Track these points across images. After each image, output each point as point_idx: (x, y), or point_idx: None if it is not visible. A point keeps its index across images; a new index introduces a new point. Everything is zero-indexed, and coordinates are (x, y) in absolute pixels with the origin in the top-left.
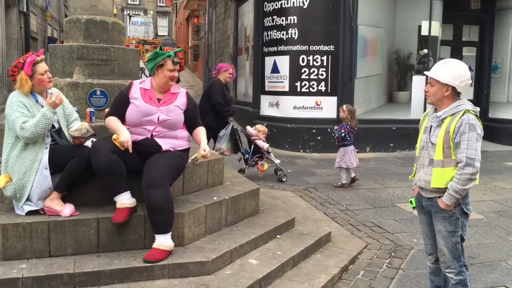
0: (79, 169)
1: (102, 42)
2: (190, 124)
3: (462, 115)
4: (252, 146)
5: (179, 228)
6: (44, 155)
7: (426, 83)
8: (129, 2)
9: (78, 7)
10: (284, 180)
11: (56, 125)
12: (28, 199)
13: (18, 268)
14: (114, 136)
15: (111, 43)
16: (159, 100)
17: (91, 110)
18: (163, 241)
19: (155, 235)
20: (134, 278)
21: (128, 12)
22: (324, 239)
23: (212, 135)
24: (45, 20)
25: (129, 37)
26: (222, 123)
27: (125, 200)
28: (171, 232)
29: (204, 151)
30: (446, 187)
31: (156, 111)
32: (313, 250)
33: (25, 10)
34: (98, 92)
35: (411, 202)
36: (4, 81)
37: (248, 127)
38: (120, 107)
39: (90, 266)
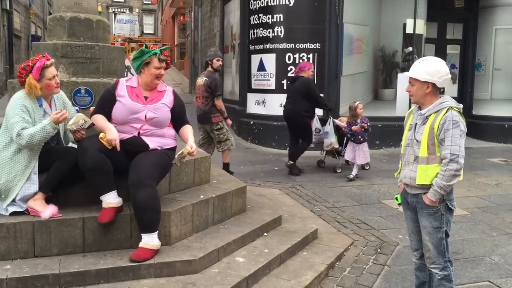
0: (65, 170)
1: (87, 40)
2: (177, 122)
3: (446, 112)
4: (345, 138)
5: (165, 227)
6: (36, 161)
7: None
8: None
9: (62, 4)
10: (339, 171)
11: (53, 132)
12: (13, 200)
13: (2, 269)
14: (101, 135)
15: (95, 41)
16: (146, 98)
17: (76, 109)
18: (149, 240)
19: (142, 234)
20: (120, 278)
21: (113, 9)
22: (311, 237)
23: (304, 135)
24: (29, 18)
25: (114, 35)
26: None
27: (111, 199)
28: (157, 231)
29: (191, 148)
30: (431, 184)
31: (143, 108)
32: (300, 247)
33: (8, 8)
34: (82, 91)
35: (396, 198)
36: None
37: (336, 120)
38: (106, 105)
39: (75, 266)
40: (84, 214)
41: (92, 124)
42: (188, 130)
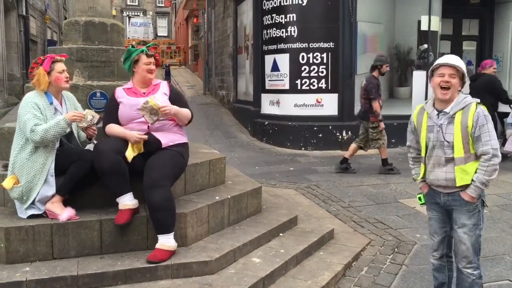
0: (81, 173)
1: (101, 43)
2: None
3: (476, 108)
4: None
5: (181, 228)
6: (52, 161)
7: (430, 78)
8: (128, 3)
9: (77, 9)
10: None
11: (67, 129)
12: (32, 203)
13: (22, 271)
14: (127, 152)
15: (110, 44)
16: (144, 93)
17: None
18: (166, 241)
19: (158, 235)
20: (137, 279)
21: (127, 13)
22: (327, 237)
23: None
24: (45, 23)
25: (128, 38)
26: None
27: (127, 201)
28: (173, 232)
29: (162, 105)
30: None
31: (143, 99)
32: (316, 247)
33: (24, 13)
34: (98, 94)
35: (420, 198)
36: (4, 84)
37: None
38: (113, 112)
39: (93, 267)
40: (101, 216)
41: (101, 119)
42: (184, 109)
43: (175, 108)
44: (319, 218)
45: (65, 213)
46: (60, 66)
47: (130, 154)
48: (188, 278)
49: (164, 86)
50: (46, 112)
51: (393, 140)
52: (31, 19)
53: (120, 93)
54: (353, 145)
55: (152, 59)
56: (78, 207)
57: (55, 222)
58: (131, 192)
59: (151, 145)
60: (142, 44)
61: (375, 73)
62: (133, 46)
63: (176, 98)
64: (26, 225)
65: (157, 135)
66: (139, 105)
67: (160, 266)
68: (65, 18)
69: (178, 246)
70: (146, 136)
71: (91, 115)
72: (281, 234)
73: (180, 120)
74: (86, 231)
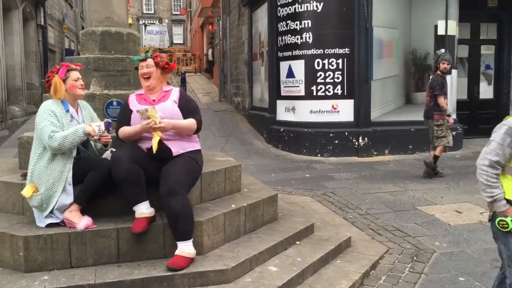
0: (98, 181)
1: (118, 53)
2: (184, 116)
3: None
4: None
5: (198, 237)
6: (70, 170)
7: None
8: (144, 11)
9: (94, 19)
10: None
11: (84, 138)
12: (51, 211)
13: (40, 280)
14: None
15: (126, 53)
16: (154, 100)
17: (108, 121)
18: (185, 248)
19: (177, 242)
20: None
21: (143, 21)
22: (344, 245)
23: None
24: (63, 33)
25: (144, 46)
26: None
27: (144, 209)
28: (192, 239)
29: (159, 122)
30: None
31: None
32: (333, 255)
33: (42, 23)
34: (114, 103)
35: (507, 223)
36: (23, 93)
37: None
38: (124, 118)
39: (111, 276)
40: (118, 225)
41: (108, 123)
42: (186, 119)
43: (171, 123)
44: (336, 225)
45: (83, 222)
46: (75, 74)
47: (155, 143)
48: (204, 287)
49: (175, 93)
50: (62, 120)
51: (410, 146)
52: (49, 28)
53: (132, 101)
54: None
55: (143, 63)
56: (95, 215)
57: (72, 231)
58: (148, 201)
59: (162, 153)
60: (158, 51)
61: (439, 71)
62: (147, 51)
63: (184, 105)
64: (45, 234)
65: (168, 143)
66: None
67: (177, 275)
68: (82, 28)
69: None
70: (159, 123)
71: (96, 126)
72: (297, 242)
73: (182, 132)
74: (103, 240)
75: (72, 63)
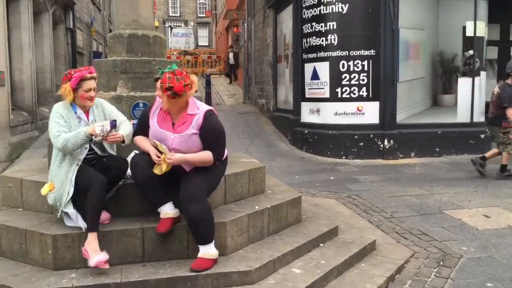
0: (96, 202)
1: (144, 55)
2: (204, 146)
3: None
4: None
5: (221, 238)
6: (74, 172)
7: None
8: (170, 14)
9: (121, 22)
10: None
11: (87, 141)
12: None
13: (68, 277)
14: (155, 170)
15: (152, 56)
16: (173, 124)
17: (134, 122)
18: (207, 251)
19: (198, 245)
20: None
21: (169, 24)
22: (369, 248)
23: None
24: (91, 35)
25: (170, 48)
26: None
27: (168, 210)
28: (214, 241)
29: (170, 158)
30: None
31: (169, 136)
32: (357, 259)
33: (71, 26)
34: (141, 105)
35: None
36: (52, 95)
37: None
38: (143, 125)
39: (136, 275)
40: (143, 225)
41: (114, 121)
42: (201, 152)
43: (182, 159)
44: (361, 228)
45: (95, 259)
46: (87, 85)
47: (158, 170)
48: None
49: (197, 120)
50: (70, 121)
51: (437, 149)
52: (78, 31)
53: (154, 111)
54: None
55: (156, 83)
56: (121, 214)
57: (100, 230)
58: (171, 202)
59: (174, 169)
60: (183, 54)
61: (509, 81)
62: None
63: (205, 136)
64: (72, 232)
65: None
66: (164, 141)
67: (200, 275)
68: (110, 31)
69: (218, 255)
70: (161, 160)
71: (99, 126)
72: (321, 245)
73: (195, 165)
74: (129, 239)
75: (100, 66)
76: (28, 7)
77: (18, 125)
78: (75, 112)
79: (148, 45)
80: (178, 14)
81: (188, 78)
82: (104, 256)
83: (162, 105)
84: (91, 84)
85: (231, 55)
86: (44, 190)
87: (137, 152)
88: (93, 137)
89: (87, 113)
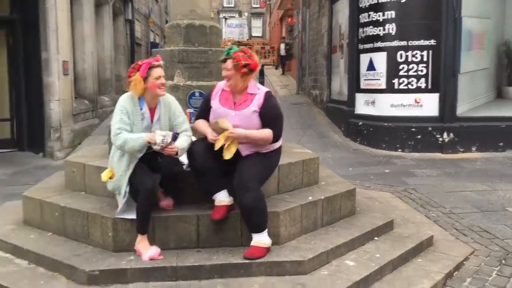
0: (145, 207)
1: (201, 45)
2: (263, 125)
3: None
4: None
5: (275, 227)
6: (132, 169)
7: None
8: (225, 5)
9: (178, 13)
10: None
11: (144, 147)
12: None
13: (127, 259)
14: (225, 156)
15: (209, 46)
16: (234, 103)
17: (191, 111)
18: (260, 239)
19: (251, 234)
20: (232, 274)
21: (224, 15)
22: (426, 243)
23: None
24: (148, 27)
25: (224, 39)
26: None
27: (223, 198)
28: (267, 229)
29: (233, 133)
30: None
31: (230, 114)
32: (413, 254)
33: (130, 17)
34: (197, 94)
35: None
36: (112, 84)
37: None
38: (203, 110)
39: (191, 260)
40: (198, 212)
41: (176, 134)
42: (261, 130)
43: (243, 134)
44: (417, 223)
45: (148, 253)
46: (156, 72)
47: (228, 154)
48: (281, 277)
49: (258, 99)
50: (133, 117)
51: (500, 144)
52: (136, 23)
53: (215, 94)
54: None
55: (223, 64)
56: (178, 201)
57: (156, 215)
58: (226, 190)
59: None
60: (237, 45)
61: None
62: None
63: (265, 114)
64: (131, 217)
65: (241, 146)
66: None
67: (254, 263)
68: (166, 22)
69: (271, 244)
70: (217, 139)
71: (161, 136)
72: (376, 238)
73: (255, 143)
74: (185, 225)
75: (157, 54)
76: None
77: (80, 113)
78: (141, 109)
79: (204, 35)
80: (232, 5)
81: (254, 55)
82: (155, 250)
83: (227, 85)
84: (160, 71)
85: (282, 46)
86: (104, 176)
87: (192, 138)
88: (152, 144)
89: (152, 110)
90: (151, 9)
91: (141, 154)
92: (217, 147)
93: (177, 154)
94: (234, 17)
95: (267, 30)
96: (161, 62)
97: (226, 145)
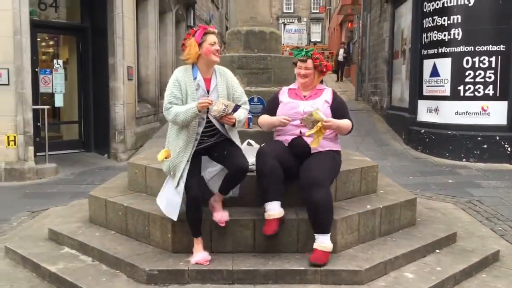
0: (194, 213)
1: (260, 51)
2: (337, 118)
3: None
4: None
5: (331, 235)
6: (193, 147)
7: None
8: (284, 10)
9: (239, 19)
10: None
11: (197, 116)
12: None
13: (185, 260)
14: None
15: (268, 52)
16: (304, 96)
17: (249, 116)
18: (324, 242)
19: (316, 235)
20: (287, 280)
21: (283, 20)
22: (491, 258)
23: None
24: None
25: (283, 44)
26: None
27: (273, 209)
28: (330, 233)
29: (328, 122)
30: None
31: (302, 103)
32: (477, 269)
33: (192, 24)
34: (255, 99)
35: None
36: None
37: None
38: (271, 107)
39: (246, 264)
40: (255, 216)
41: (237, 106)
42: (345, 120)
43: (337, 123)
44: (482, 237)
45: (195, 257)
46: (211, 38)
47: (315, 143)
48: (337, 285)
49: (327, 94)
50: (187, 88)
51: None
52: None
53: (283, 93)
54: None
55: (303, 64)
56: (234, 204)
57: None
58: (280, 202)
59: (301, 147)
60: (295, 49)
61: None
62: (301, 50)
63: (337, 107)
64: (166, 212)
65: (309, 140)
66: (296, 108)
67: (309, 270)
68: (226, 28)
69: None
70: (286, 121)
71: (222, 105)
72: (437, 251)
73: (340, 132)
74: (241, 229)
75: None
76: (155, 7)
77: (142, 116)
78: (195, 78)
79: (264, 41)
80: (292, 10)
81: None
82: (202, 255)
83: (302, 82)
84: (214, 38)
85: (341, 51)
86: (160, 156)
87: (250, 141)
88: (211, 111)
89: (208, 80)
90: (212, 16)
91: (201, 129)
92: (315, 145)
93: (234, 125)
94: (293, 22)
95: (327, 35)
96: (216, 30)
97: (315, 136)
